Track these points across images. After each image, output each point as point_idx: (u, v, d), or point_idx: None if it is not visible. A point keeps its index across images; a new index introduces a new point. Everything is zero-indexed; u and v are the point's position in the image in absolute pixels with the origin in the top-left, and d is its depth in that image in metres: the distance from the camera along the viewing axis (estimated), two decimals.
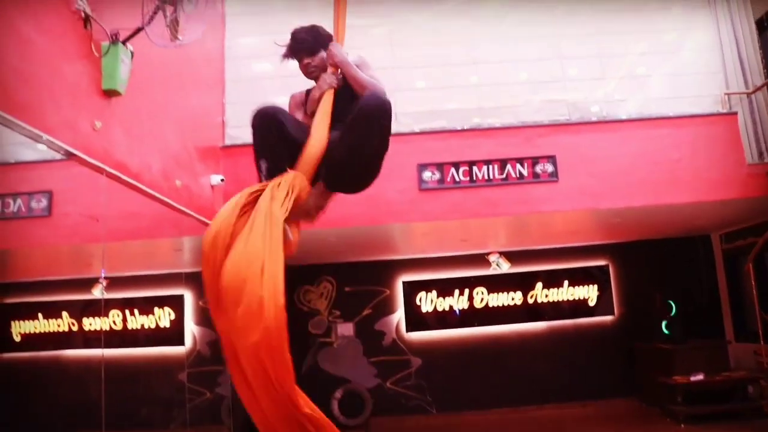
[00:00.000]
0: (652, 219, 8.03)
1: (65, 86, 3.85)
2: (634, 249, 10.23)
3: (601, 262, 10.41)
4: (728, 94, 7.37)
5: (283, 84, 7.45)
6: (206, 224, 6.14)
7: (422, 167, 6.88)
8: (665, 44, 7.72)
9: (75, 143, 3.87)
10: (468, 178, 6.85)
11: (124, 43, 4.32)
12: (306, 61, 3.24)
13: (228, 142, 7.17)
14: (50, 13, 3.74)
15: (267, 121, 2.93)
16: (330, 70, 3.17)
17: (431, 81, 7.56)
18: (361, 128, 2.76)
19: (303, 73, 3.30)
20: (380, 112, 2.78)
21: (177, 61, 5.69)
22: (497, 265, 9.85)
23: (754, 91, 7.31)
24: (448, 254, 10.10)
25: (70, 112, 3.88)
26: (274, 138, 2.92)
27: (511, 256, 9.90)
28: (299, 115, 3.28)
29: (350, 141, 2.79)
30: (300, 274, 9.81)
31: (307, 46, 3.23)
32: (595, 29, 7.55)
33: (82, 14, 4.02)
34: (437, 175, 6.84)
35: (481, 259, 9.92)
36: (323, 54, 3.21)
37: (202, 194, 6.23)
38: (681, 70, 7.57)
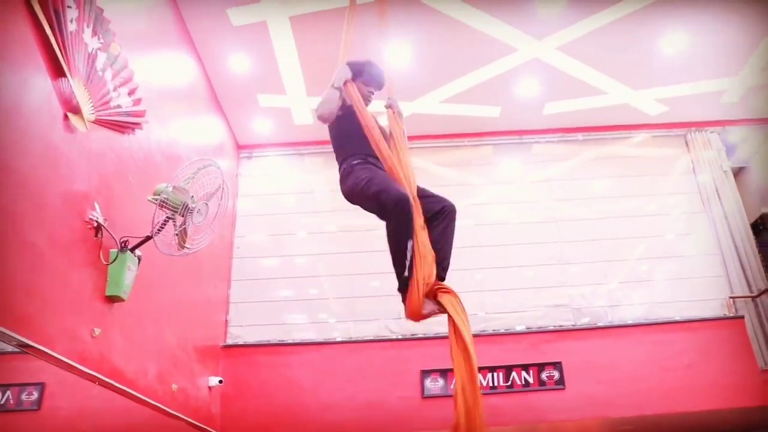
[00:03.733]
0: (667, 426, 7.66)
1: (69, 294, 3.85)
2: None
3: None
4: (733, 298, 7.34)
5: (286, 284, 7.60)
6: (198, 427, 5.88)
7: (425, 374, 6.71)
8: (666, 246, 7.79)
9: (70, 352, 3.79)
10: None
11: (132, 250, 4.39)
12: (374, 92, 3.98)
13: (229, 341, 7.05)
14: (63, 225, 3.82)
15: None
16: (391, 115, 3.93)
17: None
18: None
19: (362, 95, 3.82)
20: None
21: (185, 262, 5.75)
22: None
23: (758, 295, 7.30)
24: None
25: (70, 320, 3.85)
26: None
27: None
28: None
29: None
30: None
31: (382, 83, 4.00)
32: (596, 234, 7.69)
33: (95, 224, 4.13)
34: (440, 382, 6.66)
35: None
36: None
37: (199, 396, 6.03)
38: (685, 274, 7.58)
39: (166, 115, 5.65)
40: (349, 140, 3.78)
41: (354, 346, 7.04)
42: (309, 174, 8.24)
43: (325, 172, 8.10)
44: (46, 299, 3.60)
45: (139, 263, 4.53)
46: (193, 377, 5.94)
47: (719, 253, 7.64)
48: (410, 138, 7.96)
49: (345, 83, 3.78)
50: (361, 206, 3.65)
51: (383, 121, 3.96)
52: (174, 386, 5.36)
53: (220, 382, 6.41)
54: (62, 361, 3.73)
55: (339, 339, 7.12)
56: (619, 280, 7.54)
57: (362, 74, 3.92)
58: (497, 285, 7.44)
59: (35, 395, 5.79)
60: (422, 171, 8.03)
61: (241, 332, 7.14)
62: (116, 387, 4.31)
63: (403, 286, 3.33)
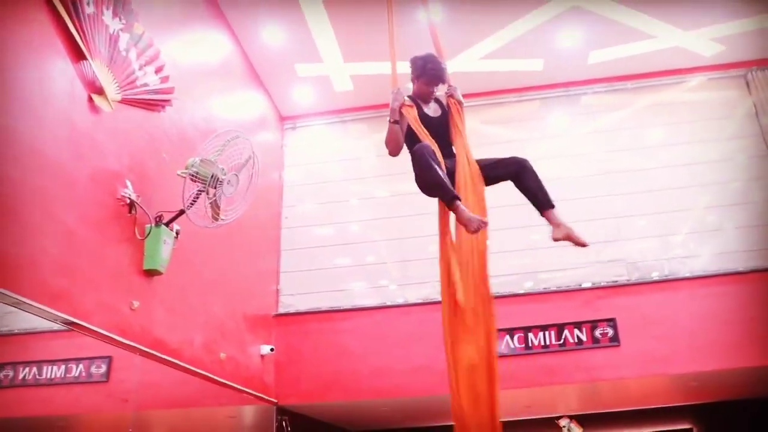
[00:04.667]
0: (734, 380, 7.39)
1: (105, 270, 3.99)
2: (720, 411, 9.33)
3: (684, 426, 9.59)
4: None
5: (339, 251, 7.66)
6: (252, 395, 6.05)
7: None
8: (730, 194, 7.36)
9: (109, 325, 3.94)
10: (523, 345, 6.57)
11: (167, 224, 4.50)
12: (435, 89, 3.99)
13: (281, 310, 7.18)
14: (94, 203, 3.95)
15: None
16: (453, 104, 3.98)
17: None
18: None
19: (423, 93, 3.97)
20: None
21: (230, 234, 5.86)
22: (568, 430, 9.19)
23: None
24: (511, 419, 9.52)
25: (108, 294, 3.99)
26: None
27: (584, 420, 9.24)
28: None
29: None
30: None
31: (446, 80, 4.00)
32: (653, 185, 7.38)
33: (127, 200, 4.25)
34: None
35: (549, 424, 9.29)
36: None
37: (250, 365, 6.19)
38: (751, 221, 7.17)
39: (200, 91, 5.72)
40: None
41: (405, 309, 7.05)
42: (353, 140, 8.23)
43: (370, 138, 8.09)
44: (82, 276, 3.75)
45: (177, 237, 4.65)
46: (243, 346, 6.09)
47: None
48: None
49: (401, 109, 3.79)
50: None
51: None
52: (222, 355, 5.51)
53: (272, 350, 6.56)
54: (101, 333, 3.87)
55: (390, 303, 7.15)
56: (680, 231, 7.22)
57: (423, 75, 3.95)
58: (548, 242, 7.25)
59: (103, 368, 6.12)
60: (468, 130, 7.90)
61: (292, 301, 7.26)
62: (159, 357, 4.47)
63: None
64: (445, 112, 4.04)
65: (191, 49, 5.68)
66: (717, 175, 7.41)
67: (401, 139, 3.81)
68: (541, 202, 3.86)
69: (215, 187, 4.44)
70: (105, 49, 4.14)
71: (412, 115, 3.79)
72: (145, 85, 4.62)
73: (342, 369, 6.75)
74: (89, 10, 3.97)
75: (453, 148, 3.88)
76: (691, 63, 7.63)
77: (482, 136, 7.80)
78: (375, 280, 7.51)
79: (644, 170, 7.46)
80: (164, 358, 4.53)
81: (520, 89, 7.88)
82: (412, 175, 3.66)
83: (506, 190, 7.12)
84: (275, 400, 6.62)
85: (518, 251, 7.26)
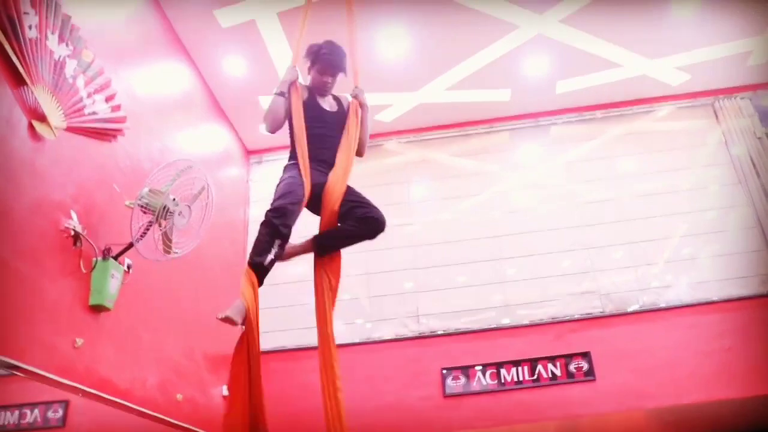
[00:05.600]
0: (712, 414, 7.18)
1: (44, 306, 3.75)
2: None
3: None
4: None
5: (301, 290, 7.40)
6: None
7: (446, 371, 6.46)
8: (699, 223, 7.24)
9: (48, 365, 3.69)
10: (496, 381, 6.37)
11: (116, 258, 4.29)
12: (330, 79, 3.76)
13: None
14: (33, 235, 3.73)
15: None
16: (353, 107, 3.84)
17: (456, 279, 7.28)
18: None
19: (318, 84, 3.78)
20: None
21: (188, 270, 5.65)
22: None
23: None
24: None
25: (47, 331, 3.75)
26: None
27: None
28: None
29: None
30: None
31: (342, 69, 3.78)
32: (622, 215, 7.29)
33: (71, 232, 4.03)
34: (462, 380, 6.39)
35: None
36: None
37: (211, 406, 5.91)
38: (722, 251, 7.07)
39: (157, 122, 5.56)
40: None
41: (372, 347, 6.83)
42: None
43: None
44: (16, 312, 3.52)
45: (129, 271, 4.45)
46: (203, 387, 5.83)
47: (759, 227, 7.13)
48: (420, 130, 7.83)
49: (290, 87, 3.67)
50: None
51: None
52: (179, 396, 5.24)
53: None
54: (37, 374, 3.62)
55: (357, 340, 6.92)
56: (654, 261, 7.09)
57: (317, 62, 3.75)
58: (519, 275, 7.13)
59: (60, 412, 5.82)
60: (435, 163, 7.81)
61: (262, 339, 6.99)
62: (105, 398, 4.21)
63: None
64: (344, 112, 3.86)
65: (148, 80, 5.52)
66: (690, 204, 7.33)
67: (282, 114, 3.65)
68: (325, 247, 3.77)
69: (165, 219, 4.26)
70: (49, 75, 3.97)
71: (296, 98, 3.65)
72: (94, 113, 4.44)
73: (308, 409, 6.46)
74: (31, 34, 3.81)
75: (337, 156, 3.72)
76: (659, 92, 7.63)
77: (450, 168, 7.73)
78: (346, 317, 7.27)
79: (616, 200, 7.37)
80: (111, 399, 4.26)
81: (489, 120, 7.80)
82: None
83: (473, 222, 7.02)
84: None
85: (488, 285, 7.09)
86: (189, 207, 4.41)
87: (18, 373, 3.52)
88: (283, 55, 6.41)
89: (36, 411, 5.76)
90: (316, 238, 3.75)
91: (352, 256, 7.30)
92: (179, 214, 4.32)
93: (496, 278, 7.13)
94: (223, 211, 6.64)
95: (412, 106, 7.39)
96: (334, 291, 3.68)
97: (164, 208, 4.20)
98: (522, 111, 7.75)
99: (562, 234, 7.25)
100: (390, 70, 6.78)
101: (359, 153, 3.92)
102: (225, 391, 6.20)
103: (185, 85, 6.36)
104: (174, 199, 4.28)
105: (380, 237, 7.24)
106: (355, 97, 3.88)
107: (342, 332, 7.01)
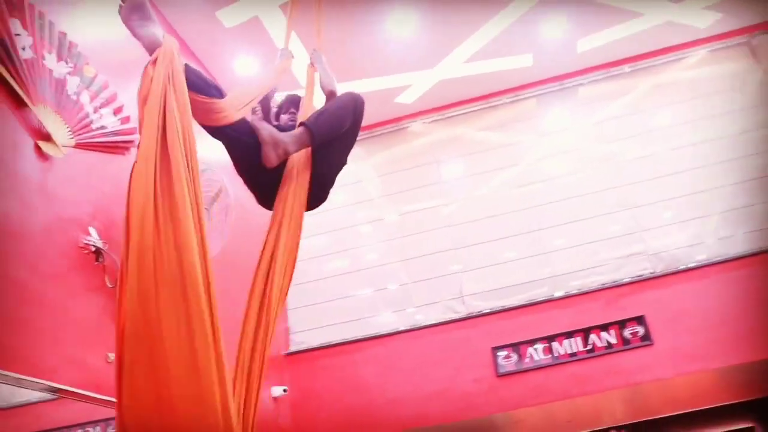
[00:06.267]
0: None
1: (72, 323, 3.72)
2: None
3: (745, 425, 8.93)
4: None
5: (344, 283, 7.32)
6: None
7: (497, 350, 6.27)
8: (751, 169, 6.85)
9: (81, 381, 3.66)
10: (549, 356, 6.15)
11: None
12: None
13: (293, 348, 6.87)
14: (52, 255, 3.70)
15: None
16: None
17: (498, 255, 7.04)
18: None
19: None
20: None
21: (226, 273, 5.57)
22: None
23: None
24: None
25: (76, 349, 3.72)
26: None
27: (633, 430, 8.68)
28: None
29: None
30: None
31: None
32: (666, 169, 6.94)
33: (92, 248, 4.00)
34: (514, 358, 6.20)
35: None
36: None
37: (261, 408, 5.83)
38: None
39: None
40: None
41: (418, 333, 6.68)
42: (352, 164, 7.94)
43: (370, 159, 7.81)
44: (43, 332, 3.49)
45: None
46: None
47: None
48: (443, 107, 7.61)
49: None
50: None
51: None
52: None
53: (285, 391, 6.23)
54: (72, 392, 3.60)
55: (402, 328, 6.78)
56: (703, 214, 6.73)
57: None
58: (563, 244, 6.88)
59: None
60: (463, 139, 7.61)
61: (304, 338, 6.94)
62: None
63: None
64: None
65: None
66: (734, 151, 6.93)
67: None
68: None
69: None
70: (50, 94, 3.94)
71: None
72: (103, 127, 4.40)
73: (359, 402, 6.40)
74: (26, 54, 3.78)
75: None
76: (689, 37, 7.20)
77: (479, 143, 7.50)
78: (391, 305, 7.12)
79: (654, 156, 7.02)
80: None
81: (513, 89, 7.52)
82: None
83: (509, 195, 6.78)
84: None
85: (531, 257, 6.86)
86: (207, 210, 4.34)
87: (64, 396, 3.51)
88: (293, 48, 6.27)
89: (98, 428, 5.79)
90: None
91: (389, 243, 7.27)
92: None
93: (540, 249, 6.90)
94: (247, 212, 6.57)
95: (432, 84, 7.18)
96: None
97: None
98: (546, 75, 7.45)
99: (602, 197, 6.96)
100: (404, 49, 6.59)
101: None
102: (274, 393, 6.14)
103: None
104: None
105: (417, 220, 7.19)
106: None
107: (389, 321, 6.91)
